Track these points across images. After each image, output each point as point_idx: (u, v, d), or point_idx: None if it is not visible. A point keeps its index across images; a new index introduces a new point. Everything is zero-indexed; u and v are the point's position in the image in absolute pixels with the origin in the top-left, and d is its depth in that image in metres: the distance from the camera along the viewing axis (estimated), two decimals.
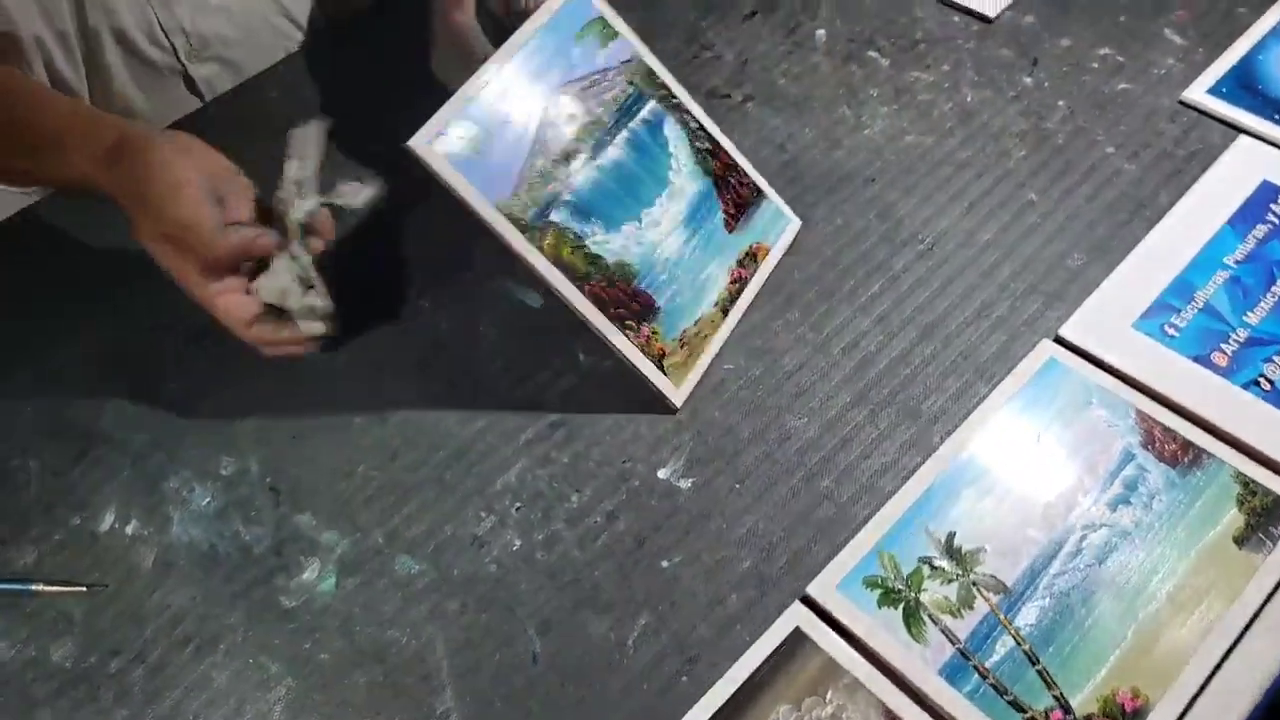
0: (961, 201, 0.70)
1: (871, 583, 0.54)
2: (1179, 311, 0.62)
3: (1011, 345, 0.62)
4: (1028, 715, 0.49)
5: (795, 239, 0.68)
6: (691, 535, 0.57)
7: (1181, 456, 0.56)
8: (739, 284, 0.65)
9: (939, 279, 0.66)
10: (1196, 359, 0.59)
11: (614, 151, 0.61)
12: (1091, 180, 0.69)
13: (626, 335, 0.60)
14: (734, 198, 0.66)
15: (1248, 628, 0.51)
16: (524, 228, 0.57)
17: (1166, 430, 0.57)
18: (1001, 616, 0.52)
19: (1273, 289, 0.62)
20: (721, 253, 0.64)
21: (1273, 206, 0.66)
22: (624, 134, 0.62)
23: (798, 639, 0.52)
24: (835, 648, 0.52)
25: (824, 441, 0.60)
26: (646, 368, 0.60)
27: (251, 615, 0.56)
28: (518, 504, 0.59)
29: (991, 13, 0.80)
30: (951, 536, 0.55)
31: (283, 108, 0.81)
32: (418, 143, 0.54)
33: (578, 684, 0.53)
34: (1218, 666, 0.50)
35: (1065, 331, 0.62)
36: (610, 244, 0.60)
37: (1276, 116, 0.70)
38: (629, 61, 0.63)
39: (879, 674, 0.51)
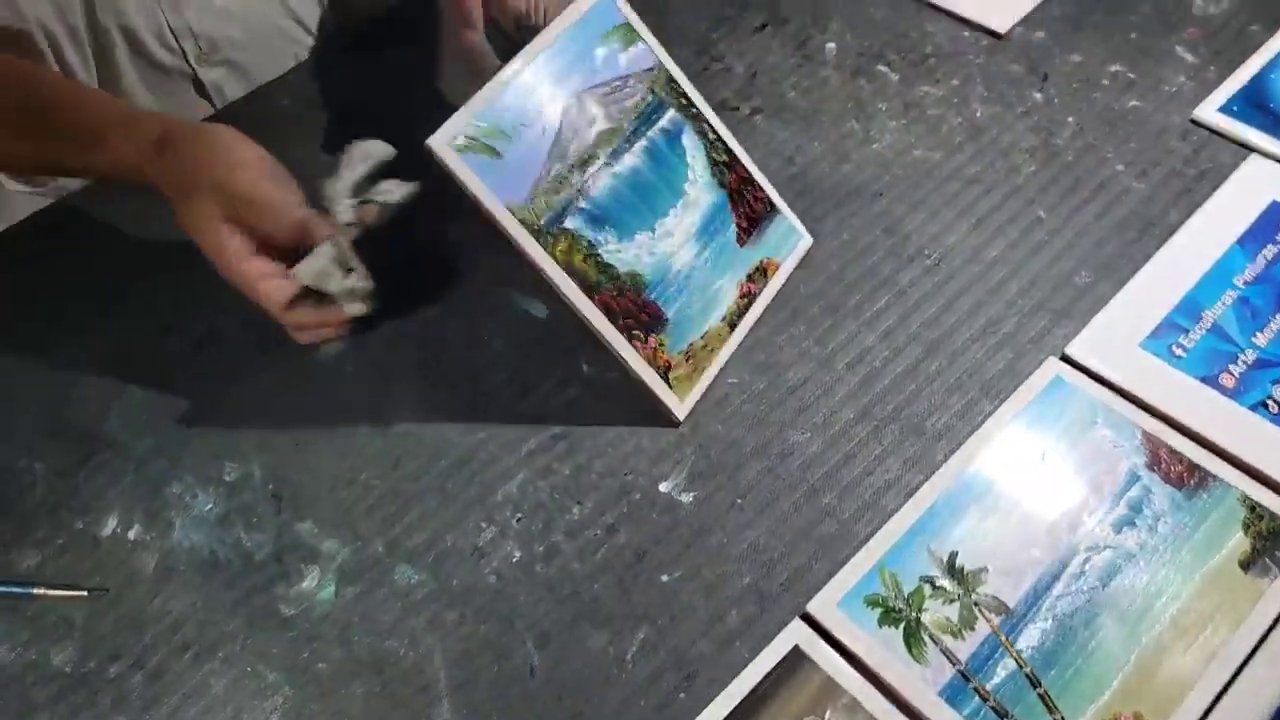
0: (969, 217, 0.69)
1: (872, 601, 0.53)
2: (1187, 332, 0.61)
3: (1017, 363, 0.62)
4: None
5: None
6: (692, 550, 0.57)
7: (1187, 478, 0.56)
8: (748, 299, 0.65)
9: (945, 295, 0.66)
10: (1204, 380, 0.59)
11: (631, 159, 0.61)
12: (1100, 198, 0.69)
13: (634, 346, 0.60)
14: (747, 212, 0.65)
15: (1252, 654, 0.50)
16: (537, 233, 0.57)
17: (1172, 452, 0.57)
18: (1003, 638, 0.52)
19: None
20: (732, 267, 0.64)
21: None
22: (642, 142, 0.62)
23: (797, 657, 0.52)
24: (835, 666, 0.51)
25: (827, 457, 0.59)
26: (651, 379, 0.60)
27: (251, 623, 0.56)
28: (518, 515, 0.59)
29: (1002, 28, 0.80)
30: (954, 556, 0.54)
31: (293, 115, 0.81)
32: (437, 142, 0.55)
33: (575, 698, 0.52)
34: (1222, 692, 0.49)
35: (1072, 350, 0.61)
36: (623, 253, 0.60)
37: None
38: (651, 70, 0.63)
39: (878, 694, 0.51)
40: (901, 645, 0.52)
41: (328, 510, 0.60)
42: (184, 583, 0.58)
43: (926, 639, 0.52)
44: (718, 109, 0.65)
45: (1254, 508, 0.54)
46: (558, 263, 0.58)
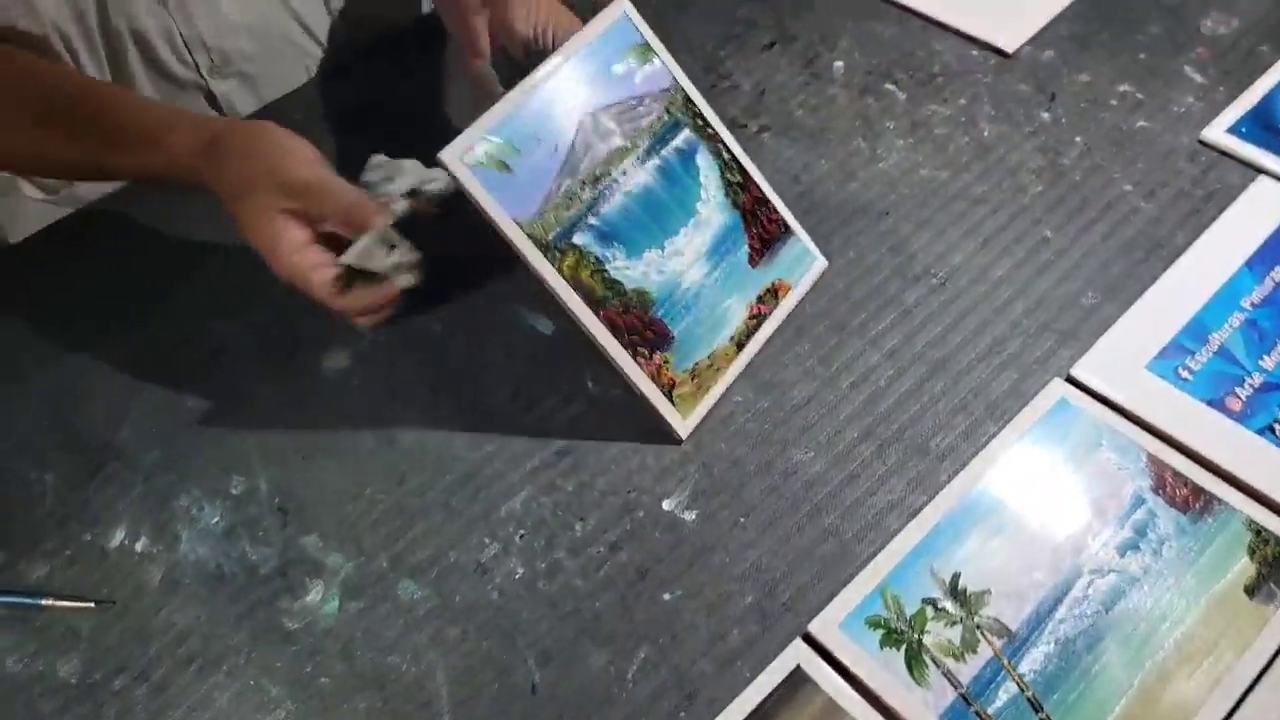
0: (976, 237, 0.69)
1: (874, 622, 0.53)
2: (1193, 354, 0.61)
3: (1022, 384, 0.62)
4: None
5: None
6: (694, 568, 0.57)
7: (1193, 502, 0.55)
8: (757, 319, 0.65)
9: (951, 314, 0.66)
10: (1210, 403, 0.59)
11: (644, 178, 0.62)
12: (1107, 218, 0.69)
13: (638, 363, 0.60)
14: (761, 233, 0.65)
15: (1257, 680, 0.50)
16: (545, 247, 0.58)
17: (1178, 475, 0.56)
18: (1005, 661, 0.52)
19: None
20: (742, 287, 0.64)
21: None
22: (655, 161, 0.62)
23: (798, 677, 0.52)
24: (835, 688, 0.51)
25: (830, 477, 0.59)
26: (655, 396, 0.60)
27: (255, 636, 0.56)
28: (522, 531, 0.59)
29: (1010, 47, 0.80)
30: (956, 578, 0.54)
31: (305, 128, 0.82)
32: (449, 155, 0.55)
33: (576, 715, 0.52)
34: (1226, 719, 0.49)
35: (1077, 371, 0.61)
36: (631, 270, 0.60)
37: None
38: (667, 89, 0.63)
39: (879, 716, 0.50)
40: (903, 667, 0.52)
41: (333, 524, 0.60)
42: (190, 595, 0.58)
43: (928, 661, 0.52)
44: (726, 127, 0.66)
45: (1260, 532, 0.54)
46: (564, 278, 0.58)
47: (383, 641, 0.56)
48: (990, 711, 0.50)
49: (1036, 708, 0.50)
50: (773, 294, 0.65)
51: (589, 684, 0.53)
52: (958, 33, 0.82)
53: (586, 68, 0.60)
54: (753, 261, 0.65)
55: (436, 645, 0.55)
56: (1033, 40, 0.80)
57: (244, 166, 0.60)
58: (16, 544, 0.61)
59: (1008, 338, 0.64)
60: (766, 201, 0.66)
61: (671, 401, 0.61)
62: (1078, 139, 0.74)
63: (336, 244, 0.61)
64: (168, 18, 0.76)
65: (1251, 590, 0.52)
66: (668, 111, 0.63)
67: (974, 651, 0.52)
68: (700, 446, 0.61)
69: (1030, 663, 0.51)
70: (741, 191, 0.65)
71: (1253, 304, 0.63)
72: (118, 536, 0.61)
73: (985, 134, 0.75)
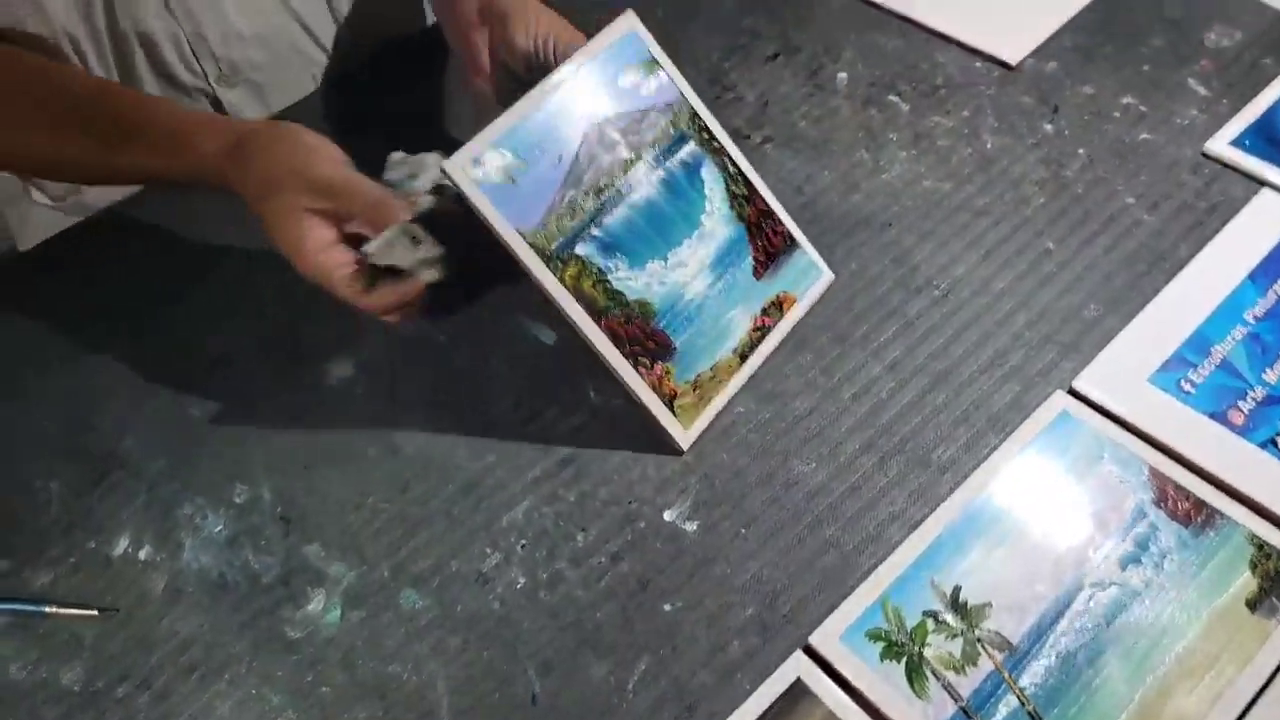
0: (978, 248, 0.69)
1: (875, 635, 0.53)
2: (1196, 367, 0.61)
3: (1024, 396, 0.62)
4: None
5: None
6: (695, 579, 0.57)
7: (1195, 516, 0.55)
8: (761, 332, 0.65)
9: (953, 326, 0.66)
10: (1212, 416, 0.59)
11: (647, 190, 0.62)
12: (1110, 230, 0.69)
13: (639, 372, 0.60)
14: (766, 245, 0.66)
15: (1259, 695, 0.50)
16: (547, 257, 0.58)
17: (1180, 488, 0.56)
18: (1006, 675, 0.51)
19: None
20: (746, 299, 0.64)
21: None
22: (660, 173, 0.62)
23: (798, 690, 0.52)
24: (836, 700, 0.51)
25: (831, 488, 0.59)
26: (656, 407, 0.60)
27: (257, 645, 0.57)
28: (523, 541, 0.59)
29: (1013, 59, 0.80)
30: (957, 590, 0.54)
31: None
32: (453, 165, 0.56)
33: None
34: None
35: (1079, 384, 0.61)
36: (633, 281, 0.61)
37: None
38: (673, 103, 0.64)
39: None
40: (903, 680, 0.52)
41: (335, 533, 0.61)
42: (192, 604, 0.59)
43: (929, 674, 0.52)
44: (730, 138, 0.66)
45: (1262, 546, 0.54)
46: (566, 287, 0.58)
47: (384, 651, 0.56)
48: None
49: None
50: (777, 306, 0.66)
51: (589, 695, 0.53)
52: (961, 45, 0.82)
53: (593, 81, 0.61)
54: (757, 274, 0.65)
55: (437, 655, 0.55)
56: (1036, 52, 0.81)
57: (270, 167, 0.60)
58: (21, 551, 0.61)
59: (1010, 350, 0.64)
60: (772, 214, 0.66)
61: (673, 412, 0.61)
62: (1081, 151, 0.74)
63: (360, 245, 0.61)
64: (175, 25, 0.76)
65: (1253, 604, 0.52)
66: (673, 125, 0.63)
67: (974, 664, 0.52)
68: (702, 457, 0.61)
69: (1031, 676, 0.51)
70: (747, 204, 0.65)
71: (1255, 317, 0.63)
72: (121, 544, 0.61)
73: (988, 146, 0.75)
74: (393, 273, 0.61)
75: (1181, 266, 0.66)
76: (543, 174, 0.59)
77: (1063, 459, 0.58)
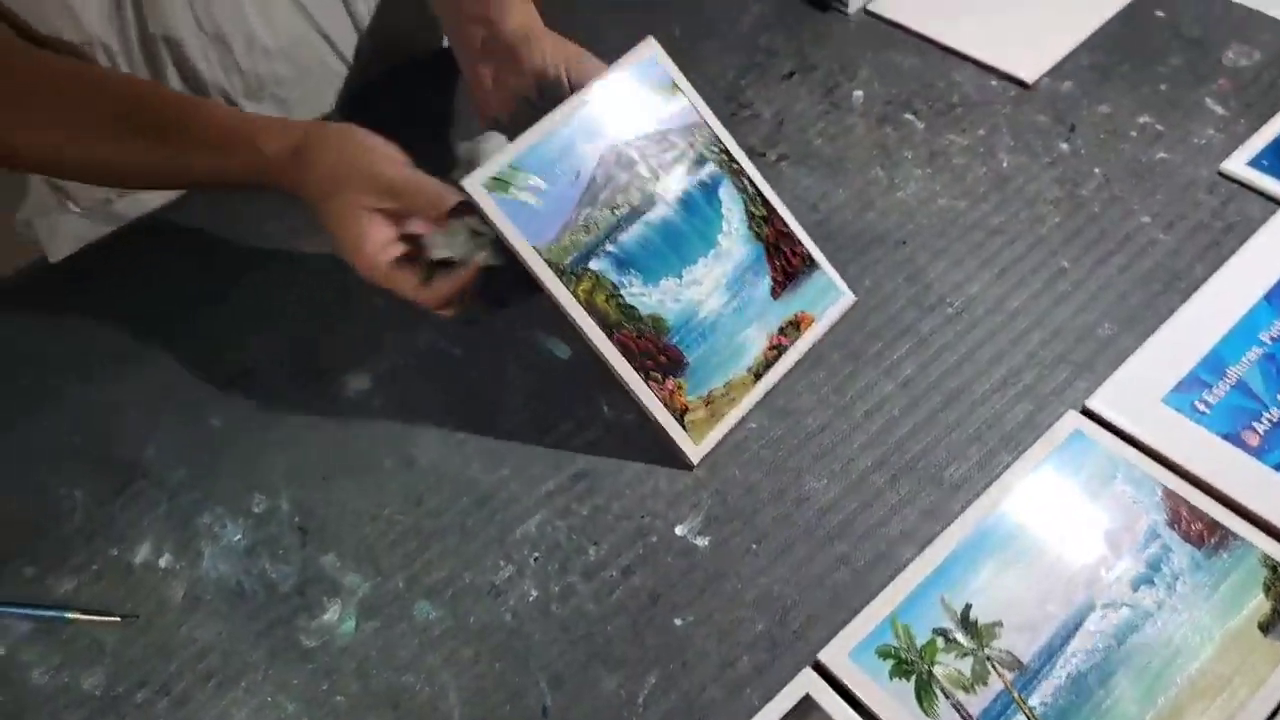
0: (992, 267, 0.70)
1: (884, 652, 0.53)
2: (1211, 387, 0.61)
3: (1037, 415, 0.62)
4: None
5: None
6: (706, 594, 0.57)
7: (1208, 537, 0.55)
8: (777, 350, 0.65)
9: (966, 345, 0.66)
10: (1227, 437, 0.59)
11: (665, 209, 0.63)
12: (1126, 250, 0.69)
13: (650, 387, 0.61)
14: (784, 265, 0.66)
15: (1271, 718, 0.49)
16: (561, 271, 0.59)
17: (1193, 509, 0.56)
18: (1016, 694, 0.51)
19: None
20: (762, 318, 0.65)
21: None
22: (678, 193, 0.63)
23: (807, 706, 0.52)
24: (845, 717, 0.51)
25: (843, 505, 0.60)
26: (666, 421, 0.61)
27: (273, 653, 0.57)
28: (536, 554, 0.60)
29: (1030, 78, 0.80)
30: (968, 609, 0.54)
31: None
32: (470, 182, 0.57)
33: None
34: None
35: (1093, 403, 0.61)
36: (646, 297, 0.61)
37: None
38: (693, 125, 0.65)
39: None
40: (913, 698, 0.52)
41: (351, 544, 0.61)
42: (211, 612, 0.60)
43: (938, 692, 0.52)
44: (746, 156, 0.67)
45: (1275, 569, 0.53)
46: (579, 301, 0.59)
47: (397, 661, 0.57)
48: None
49: None
50: (795, 326, 0.66)
51: (600, 707, 0.54)
52: (977, 63, 0.83)
53: (613, 103, 0.62)
54: (775, 294, 0.65)
55: (450, 666, 0.56)
56: (1052, 71, 0.81)
57: (335, 166, 0.61)
58: (45, 559, 0.63)
59: (1023, 368, 0.64)
60: (791, 235, 0.67)
61: (683, 427, 0.61)
62: (1096, 170, 0.74)
63: (417, 244, 0.62)
64: (204, 38, 0.78)
65: (1266, 627, 0.52)
66: (692, 146, 0.64)
67: (984, 683, 0.52)
68: (714, 472, 0.62)
69: (1041, 696, 0.51)
70: (765, 225, 0.66)
71: (1272, 338, 0.63)
72: (143, 552, 0.62)
73: (1004, 164, 0.75)
74: (446, 265, 0.61)
75: (1197, 286, 0.66)
76: (560, 191, 0.60)
77: (1075, 478, 0.58)
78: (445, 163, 0.63)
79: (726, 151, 0.66)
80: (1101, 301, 0.67)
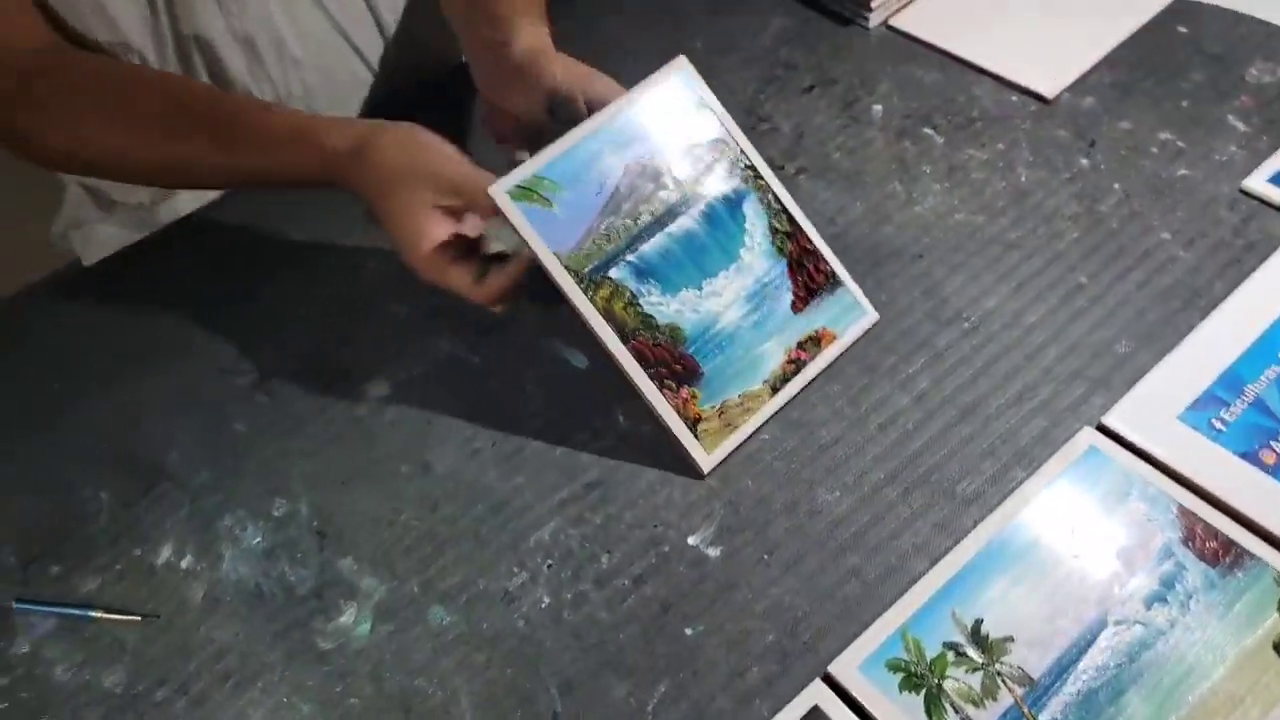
0: (1009, 282, 0.70)
1: (894, 665, 0.53)
2: (1228, 405, 0.60)
3: (1052, 430, 0.62)
4: None
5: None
6: (717, 604, 0.57)
7: (1223, 556, 0.55)
8: (795, 365, 0.65)
9: (982, 359, 0.66)
10: (1244, 456, 0.58)
11: (687, 221, 0.64)
12: (1144, 266, 0.69)
13: (664, 394, 0.61)
14: (807, 282, 0.66)
15: None
16: (581, 279, 0.60)
17: (1208, 528, 0.56)
18: (1026, 710, 0.51)
19: None
20: (782, 332, 0.65)
21: None
22: (702, 206, 0.64)
23: (816, 718, 0.52)
24: None
25: (855, 517, 0.60)
26: (678, 428, 0.61)
27: (290, 655, 0.58)
28: (549, 562, 0.60)
29: (1050, 93, 0.80)
30: (979, 623, 0.54)
31: None
32: (496, 190, 0.58)
33: None
34: None
35: (1109, 420, 0.61)
36: (665, 306, 0.62)
37: None
38: (719, 141, 0.65)
39: None
40: (922, 712, 0.52)
41: (368, 549, 0.62)
42: (229, 612, 0.61)
43: (948, 707, 0.52)
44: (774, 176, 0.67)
45: None
46: (597, 308, 0.60)
47: (411, 665, 0.57)
48: None
49: None
50: (815, 342, 0.66)
51: (609, 715, 0.54)
52: (997, 78, 0.83)
53: (642, 119, 0.63)
54: (796, 308, 0.66)
55: (462, 671, 0.57)
56: (1073, 87, 0.81)
57: (397, 164, 0.62)
58: (70, 558, 0.64)
59: (1039, 384, 0.64)
60: (815, 252, 0.67)
61: (696, 435, 0.62)
62: (1116, 186, 0.74)
63: (470, 246, 0.63)
64: (235, 48, 0.79)
65: None
66: (718, 162, 0.65)
67: (994, 699, 0.52)
68: (726, 483, 0.62)
69: (1051, 712, 0.51)
70: (789, 240, 0.66)
71: None
72: (165, 554, 0.64)
73: (1022, 179, 0.75)
74: (500, 259, 0.63)
75: (1216, 304, 0.66)
76: (584, 201, 0.61)
77: (1090, 495, 0.58)
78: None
79: (753, 167, 0.66)
80: (1119, 318, 0.66)
